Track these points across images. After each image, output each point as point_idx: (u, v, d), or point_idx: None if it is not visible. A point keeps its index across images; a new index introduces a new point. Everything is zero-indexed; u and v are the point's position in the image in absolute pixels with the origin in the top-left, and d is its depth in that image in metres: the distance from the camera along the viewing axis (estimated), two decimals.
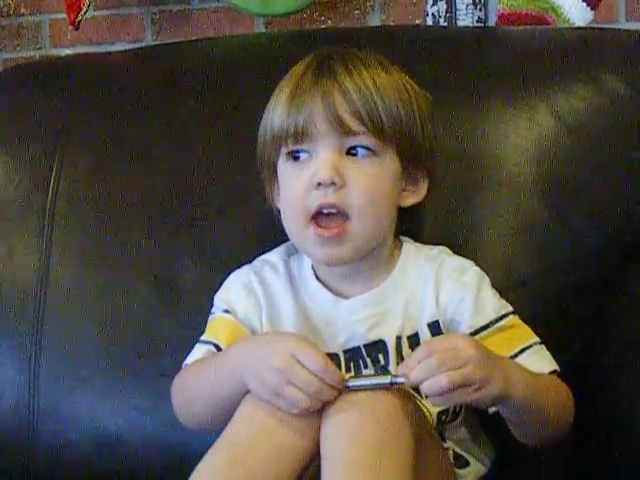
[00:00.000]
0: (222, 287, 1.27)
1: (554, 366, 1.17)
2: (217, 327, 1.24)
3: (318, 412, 1.06)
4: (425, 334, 1.19)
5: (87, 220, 1.46)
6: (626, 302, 1.29)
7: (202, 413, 1.19)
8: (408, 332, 1.20)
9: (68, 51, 2.40)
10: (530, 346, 1.17)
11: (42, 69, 1.70)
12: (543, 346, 1.18)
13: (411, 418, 1.04)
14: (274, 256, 1.28)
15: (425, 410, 1.14)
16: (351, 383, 1.05)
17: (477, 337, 1.17)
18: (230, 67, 1.55)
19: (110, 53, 1.77)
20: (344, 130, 1.15)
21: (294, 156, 1.19)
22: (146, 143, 1.49)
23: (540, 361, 1.16)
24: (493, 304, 1.20)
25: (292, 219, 1.20)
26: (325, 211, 1.17)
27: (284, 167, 1.21)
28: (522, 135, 1.38)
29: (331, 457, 1.03)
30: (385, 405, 1.04)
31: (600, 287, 1.31)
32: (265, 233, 1.31)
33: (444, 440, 1.20)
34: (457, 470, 1.20)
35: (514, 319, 1.20)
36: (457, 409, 1.20)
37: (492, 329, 1.18)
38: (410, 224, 1.27)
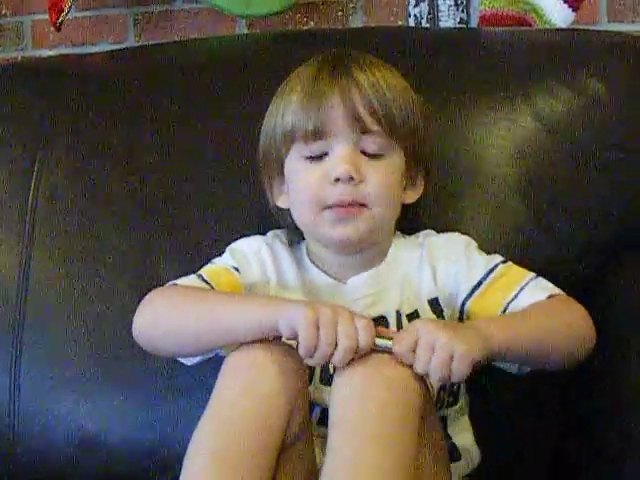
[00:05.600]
0: (232, 247, 1.28)
1: (550, 291, 1.20)
2: (221, 275, 1.23)
3: (300, 362, 1.09)
4: (426, 310, 1.23)
5: (68, 221, 1.46)
6: (605, 302, 1.30)
7: (179, 340, 1.17)
8: (407, 310, 1.23)
9: (50, 52, 2.40)
10: (526, 284, 1.21)
11: (24, 70, 1.70)
12: (540, 278, 1.22)
13: (417, 386, 1.06)
14: (284, 234, 1.30)
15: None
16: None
17: (474, 296, 1.22)
18: (213, 68, 1.55)
19: (92, 54, 1.77)
20: (361, 127, 1.18)
21: (311, 156, 1.20)
22: (127, 144, 1.48)
23: (537, 293, 1.19)
24: (481, 263, 1.24)
25: (305, 209, 1.22)
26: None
27: (296, 163, 1.22)
28: (503, 136, 1.39)
29: (337, 420, 1.04)
30: (390, 375, 1.05)
31: (579, 287, 1.32)
32: (247, 233, 1.31)
33: (446, 429, 1.22)
34: None
35: (504, 267, 1.24)
36: (454, 387, 1.23)
37: (485, 284, 1.22)
38: (406, 221, 1.29)
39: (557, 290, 1.21)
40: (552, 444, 1.32)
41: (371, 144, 1.19)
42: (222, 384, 1.09)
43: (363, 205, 1.19)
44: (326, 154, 1.19)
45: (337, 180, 1.18)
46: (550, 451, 1.32)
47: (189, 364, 1.21)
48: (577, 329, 1.17)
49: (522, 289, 1.20)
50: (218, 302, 1.15)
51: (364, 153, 1.19)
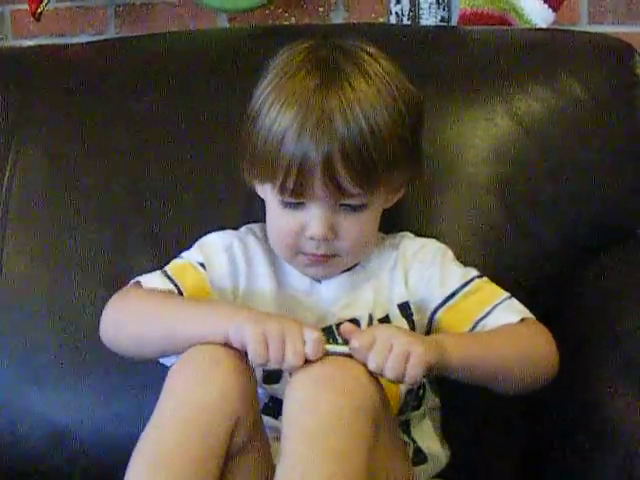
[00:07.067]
0: (202, 241, 1.26)
1: (522, 315, 1.19)
2: (186, 272, 1.22)
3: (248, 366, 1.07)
4: (396, 315, 1.23)
5: (41, 213, 1.46)
6: (577, 303, 1.31)
7: (139, 349, 1.17)
8: (379, 315, 1.23)
9: (30, 42, 2.38)
10: (499, 303, 1.21)
11: (2, 60, 1.69)
12: (513, 299, 1.22)
13: (371, 396, 1.04)
14: (259, 228, 1.28)
15: (391, 387, 1.15)
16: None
17: (445, 307, 1.22)
18: (193, 61, 1.55)
19: (72, 45, 1.76)
20: (341, 193, 1.15)
21: (286, 202, 1.18)
22: (104, 137, 1.48)
23: (509, 314, 1.19)
24: (456, 274, 1.24)
25: (278, 248, 1.22)
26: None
27: (272, 198, 1.20)
28: (479, 135, 1.40)
29: (289, 426, 1.03)
30: (345, 379, 1.04)
31: (552, 288, 1.32)
32: (223, 226, 1.31)
33: (409, 433, 1.22)
34: (414, 467, 1.20)
35: (479, 282, 1.23)
36: (420, 391, 1.23)
37: (458, 296, 1.22)
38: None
39: (528, 314, 1.20)
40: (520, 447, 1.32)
41: (352, 201, 1.16)
42: (165, 391, 1.07)
43: (335, 255, 1.19)
44: (302, 203, 1.17)
45: (312, 238, 1.17)
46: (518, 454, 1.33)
47: (169, 364, 1.17)
48: (540, 360, 1.17)
49: (494, 307, 1.20)
50: (174, 314, 1.14)
51: (345, 205, 1.17)
